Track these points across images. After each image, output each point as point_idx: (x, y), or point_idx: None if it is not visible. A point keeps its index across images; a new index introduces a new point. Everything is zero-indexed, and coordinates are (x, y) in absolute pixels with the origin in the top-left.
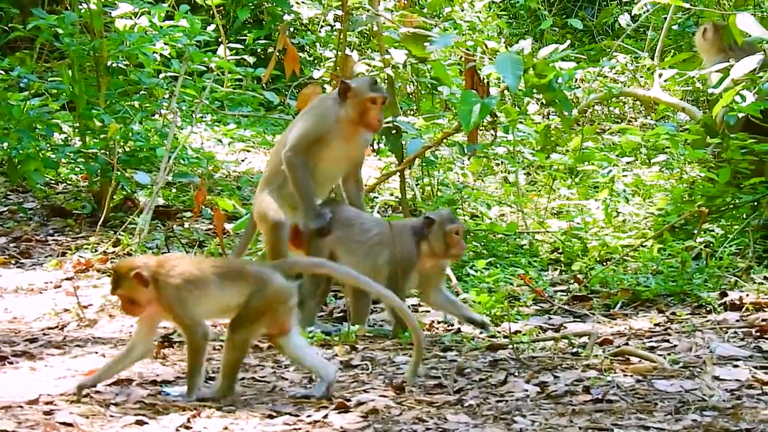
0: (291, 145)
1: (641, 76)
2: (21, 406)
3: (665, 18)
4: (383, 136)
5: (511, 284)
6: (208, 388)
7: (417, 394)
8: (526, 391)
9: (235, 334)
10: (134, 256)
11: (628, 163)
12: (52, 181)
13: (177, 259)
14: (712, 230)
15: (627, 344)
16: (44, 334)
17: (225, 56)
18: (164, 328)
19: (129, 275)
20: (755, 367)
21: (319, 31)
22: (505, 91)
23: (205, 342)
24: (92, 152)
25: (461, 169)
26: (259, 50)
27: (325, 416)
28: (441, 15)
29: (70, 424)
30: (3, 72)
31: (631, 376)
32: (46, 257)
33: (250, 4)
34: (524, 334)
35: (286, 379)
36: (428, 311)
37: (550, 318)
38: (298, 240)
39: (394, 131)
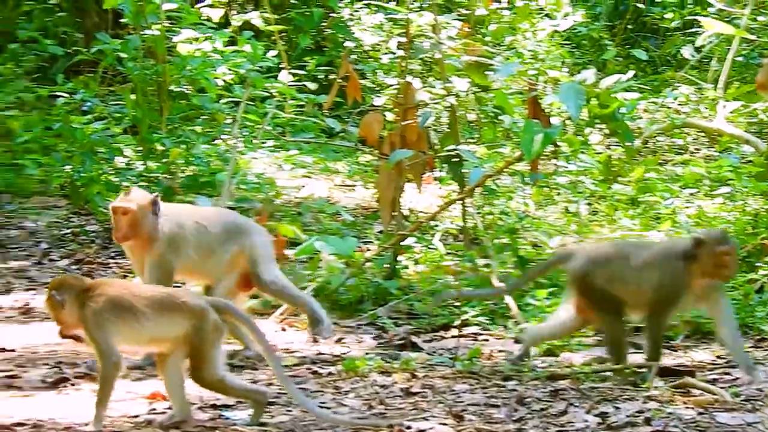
0: None
1: (705, 108)
2: (83, 427)
3: (729, 49)
4: (444, 164)
5: None
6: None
7: (477, 423)
8: (587, 421)
9: None
10: (69, 276)
11: (690, 194)
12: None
13: (109, 285)
14: None
15: (689, 376)
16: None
17: (287, 82)
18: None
19: (49, 293)
20: None
21: (381, 59)
22: (567, 121)
23: (116, 372)
24: (154, 176)
25: (522, 198)
26: (320, 77)
27: None
28: (503, 44)
29: None
30: (67, 95)
31: (693, 408)
32: None
33: (312, 31)
34: (585, 365)
35: (346, 405)
36: (487, 340)
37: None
38: None
39: (455, 159)
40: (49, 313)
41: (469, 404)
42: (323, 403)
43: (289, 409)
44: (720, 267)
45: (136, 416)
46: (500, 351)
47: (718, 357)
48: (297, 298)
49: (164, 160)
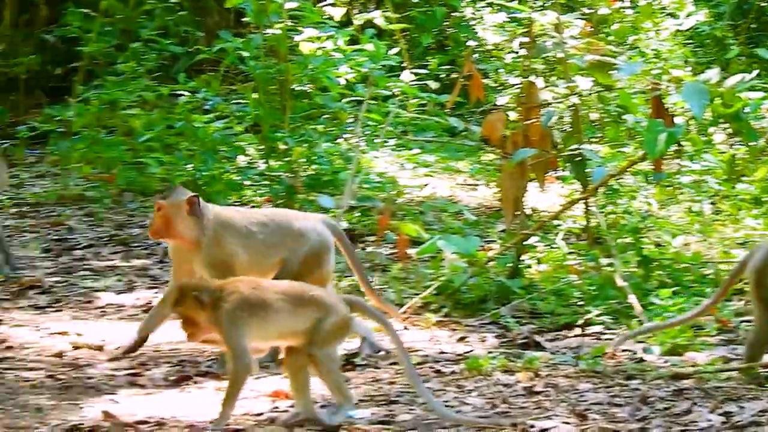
0: None
1: None
2: (205, 428)
3: None
4: (567, 163)
5: None
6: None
7: (600, 422)
8: (710, 420)
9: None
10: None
11: None
12: (236, 203)
13: (239, 282)
14: None
15: None
16: None
17: (409, 81)
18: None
19: (189, 295)
20: None
21: (504, 58)
22: (691, 120)
23: (248, 374)
24: (276, 175)
25: (646, 198)
26: (442, 76)
27: None
28: (626, 43)
29: None
30: (188, 94)
31: None
32: None
33: (434, 30)
34: (709, 364)
35: (469, 404)
36: (611, 339)
37: (734, 348)
38: None
39: (579, 159)
40: (184, 316)
41: (592, 403)
42: (446, 401)
43: (412, 408)
44: None
45: (259, 414)
46: (624, 350)
47: None
48: None
49: (286, 159)
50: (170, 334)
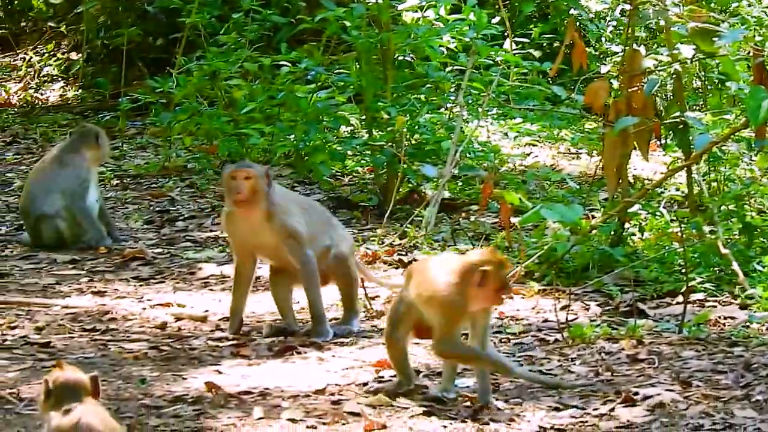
0: None
1: None
2: (309, 396)
3: None
4: (671, 131)
5: None
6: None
7: (703, 389)
8: None
9: None
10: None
11: None
12: (338, 173)
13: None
14: None
15: None
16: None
17: (511, 50)
18: None
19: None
20: None
21: (606, 26)
22: None
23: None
24: (379, 145)
25: (748, 165)
26: (544, 44)
27: (612, 410)
28: (728, 10)
29: (358, 414)
30: (290, 64)
31: None
32: None
33: None
34: None
35: (573, 372)
36: (714, 306)
37: None
38: None
39: (681, 126)
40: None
41: (695, 370)
42: (549, 369)
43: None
44: None
45: (364, 383)
46: (726, 317)
47: None
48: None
49: (389, 129)
50: (272, 305)
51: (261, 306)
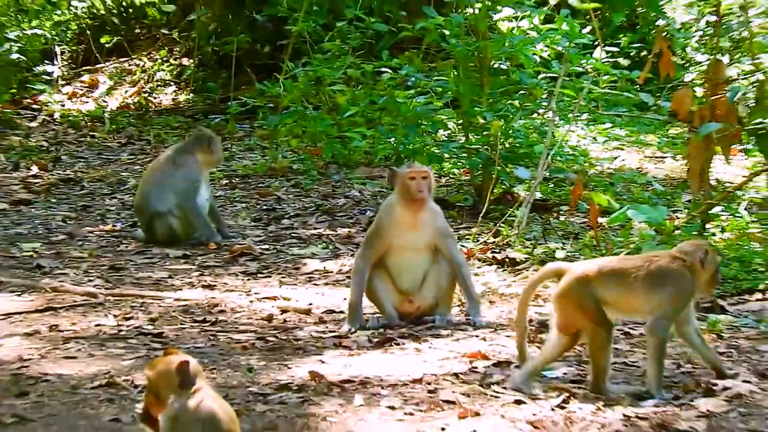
0: None
1: None
2: (406, 384)
3: None
4: (752, 137)
5: None
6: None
7: None
8: None
9: None
10: None
11: None
12: (436, 175)
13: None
14: None
15: None
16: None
17: (601, 58)
18: (540, 314)
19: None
20: None
21: (692, 36)
22: None
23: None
24: (475, 148)
25: None
26: (633, 53)
27: (692, 399)
28: None
29: (453, 402)
30: (391, 71)
31: None
32: None
33: (625, 9)
34: None
35: None
36: None
37: None
38: None
39: (762, 132)
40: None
41: None
42: (634, 361)
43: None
44: None
45: (458, 374)
46: None
47: None
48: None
49: (484, 133)
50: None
51: (364, 300)
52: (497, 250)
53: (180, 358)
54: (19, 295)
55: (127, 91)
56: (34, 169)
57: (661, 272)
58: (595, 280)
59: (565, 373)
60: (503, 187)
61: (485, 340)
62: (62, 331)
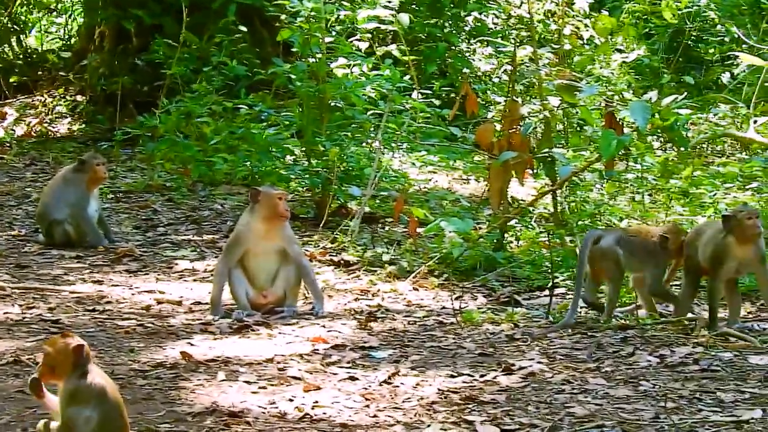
0: None
1: (739, 122)
2: (260, 363)
3: (759, 77)
4: (541, 163)
5: None
6: None
7: (565, 362)
8: (649, 361)
9: None
10: None
11: (728, 188)
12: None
13: None
14: None
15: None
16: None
17: (418, 99)
18: (369, 306)
19: None
20: None
21: (492, 81)
22: (635, 131)
23: None
24: (315, 170)
25: (599, 190)
26: (443, 95)
27: (495, 377)
28: (585, 71)
29: (299, 378)
30: (247, 107)
31: (731, 352)
32: None
33: (437, 60)
34: (647, 317)
35: (464, 348)
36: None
37: (666, 306)
38: None
39: (549, 160)
40: None
41: (558, 348)
42: (446, 345)
43: (421, 350)
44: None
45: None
46: (583, 307)
47: (749, 313)
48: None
49: (324, 158)
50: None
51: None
52: (334, 254)
53: (77, 342)
54: None
55: (30, 122)
56: None
57: None
58: None
59: (390, 354)
60: (339, 202)
61: (325, 327)
62: None
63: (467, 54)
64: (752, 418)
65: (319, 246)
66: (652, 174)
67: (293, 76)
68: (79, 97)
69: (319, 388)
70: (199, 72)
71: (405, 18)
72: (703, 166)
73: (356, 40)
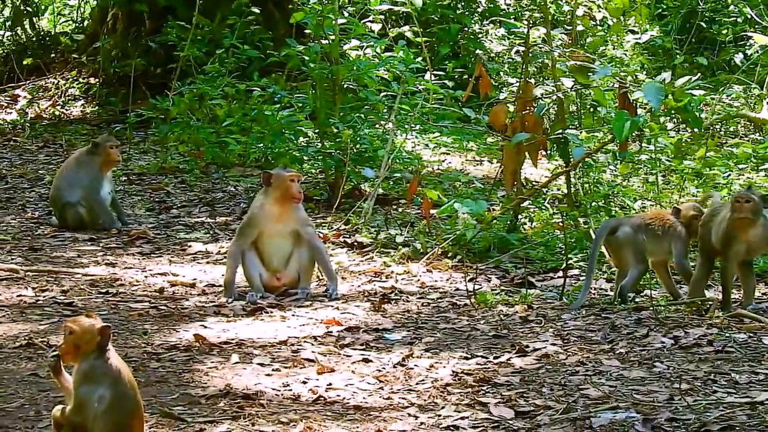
0: None
1: (752, 102)
2: (274, 345)
3: None
4: (554, 145)
5: None
6: None
7: (579, 344)
8: (663, 343)
9: None
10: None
11: (741, 168)
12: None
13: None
14: None
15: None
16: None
17: (431, 80)
18: (383, 288)
19: None
20: None
21: (505, 63)
22: (649, 112)
23: None
24: (329, 152)
25: (613, 171)
26: (456, 77)
27: (509, 359)
28: (598, 52)
29: (313, 360)
30: (260, 89)
31: (745, 333)
32: None
33: (450, 41)
34: (663, 299)
35: (478, 329)
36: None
37: (681, 287)
38: None
39: (563, 141)
40: None
41: (573, 329)
42: (460, 327)
43: (434, 332)
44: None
45: (317, 336)
46: (596, 288)
47: (764, 294)
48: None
49: (337, 140)
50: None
51: (239, 275)
52: (348, 236)
53: (102, 323)
54: None
55: (44, 104)
56: None
57: None
58: None
59: (404, 336)
60: (352, 184)
61: (338, 309)
62: None
63: (480, 35)
64: (767, 400)
65: (332, 228)
66: (665, 155)
67: (306, 58)
68: (92, 80)
69: (332, 371)
70: (211, 54)
71: None
72: (717, 147)
73: (369, 21)
